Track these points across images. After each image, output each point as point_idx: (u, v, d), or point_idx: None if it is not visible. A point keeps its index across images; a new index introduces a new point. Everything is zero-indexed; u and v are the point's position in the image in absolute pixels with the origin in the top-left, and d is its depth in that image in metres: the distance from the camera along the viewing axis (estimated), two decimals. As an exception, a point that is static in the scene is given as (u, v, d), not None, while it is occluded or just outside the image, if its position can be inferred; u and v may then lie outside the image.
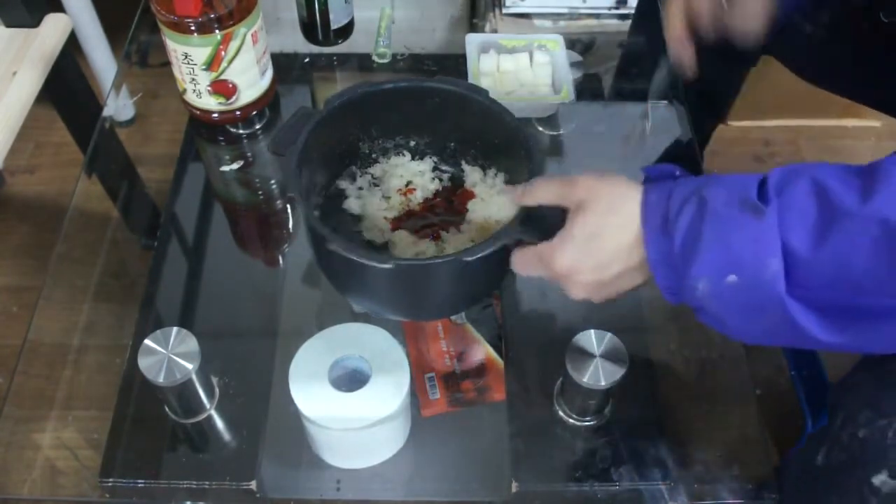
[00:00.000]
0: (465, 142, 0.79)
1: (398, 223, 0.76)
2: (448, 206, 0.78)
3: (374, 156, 0.80)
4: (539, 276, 0.63)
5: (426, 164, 0.80)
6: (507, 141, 0.72)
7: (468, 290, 0.70)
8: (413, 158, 0.80)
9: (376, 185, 0.79)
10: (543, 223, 0.62)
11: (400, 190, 0.78)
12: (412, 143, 0.80)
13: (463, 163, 0.80)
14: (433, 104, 0.75)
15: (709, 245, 0.53)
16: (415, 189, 0.78)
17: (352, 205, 0.78)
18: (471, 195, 0.77)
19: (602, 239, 0.58)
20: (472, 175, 0.79)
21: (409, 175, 0.79)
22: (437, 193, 0.79)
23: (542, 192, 0.62)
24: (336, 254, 0.63)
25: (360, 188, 0.79)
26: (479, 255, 0.62)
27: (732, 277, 0.53)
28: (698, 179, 0.56)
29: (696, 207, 0.54)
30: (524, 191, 0.64)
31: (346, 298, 0.75)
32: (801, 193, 0.52)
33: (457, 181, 0.80)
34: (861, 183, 0.51)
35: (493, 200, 0.76)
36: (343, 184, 0.79)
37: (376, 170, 0.80)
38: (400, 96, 0.75)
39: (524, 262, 0.63)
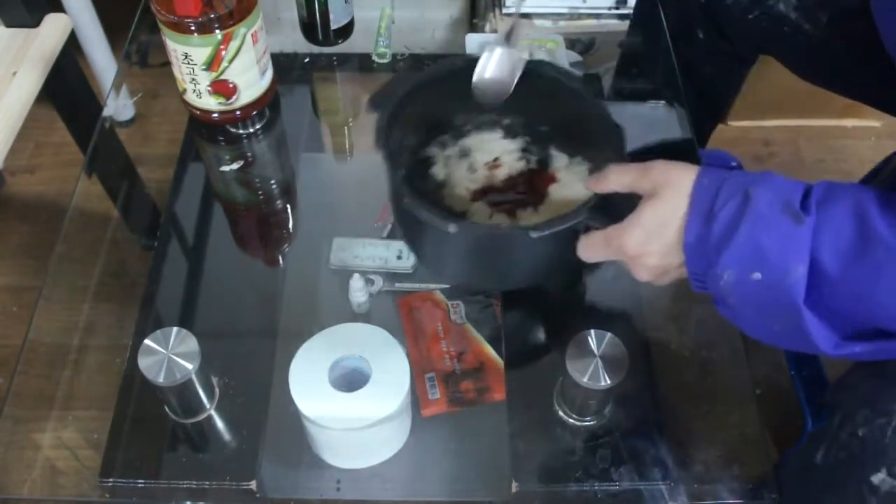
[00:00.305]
0: (556, 127, 0.79)
1: (478, 195, 0.77)
2: (529, 186, 0.78)
3: (466, 128, 0.81)
4: (604, 261, 0.65)
5: (516, 144, 0.80)
6: (598, 132, 0.73)
7: (532, 267, 0.72)
8: (505, 136, 0.81)
9: (464, 157, 0.80)
10: (614, 211, 0.63)
11: (486, 164, 0.79)
12: (506, 122, 0.81)
13: (552, 147, 0.80)
14: (530, 86, 0.75)
15: (743, 239, 0.54)
16: (500, 165, 0.79)
17: (438, 171, 0.78)
18: (552, 179, 0.78)
19: (672, 226, 0.59)
20: (559, 160, 0.79)
21: (498, 151, 0.80)
22: (521, 173, 0.79)
23: (615, 178, 0.63)
24: (409, 212, 0.65)
25: (448, 156, 0.80)
26: (546, 233, 0.63)
27: (757, 275, 0.54)
28: (750, 176, 0.58)
29: (740, 202, 0.55)
30: (598, 177, 0.65)
31: (418, 258, 0.78)
32: (842, 213, 0.53)
33: (543, 164, 0.80)
34: None
35: (573, 187, 0.76)
36: (432, 150, 0.80)
37: (467, 142, 0.80)
38: None
39: (590, 245, 0.65)
